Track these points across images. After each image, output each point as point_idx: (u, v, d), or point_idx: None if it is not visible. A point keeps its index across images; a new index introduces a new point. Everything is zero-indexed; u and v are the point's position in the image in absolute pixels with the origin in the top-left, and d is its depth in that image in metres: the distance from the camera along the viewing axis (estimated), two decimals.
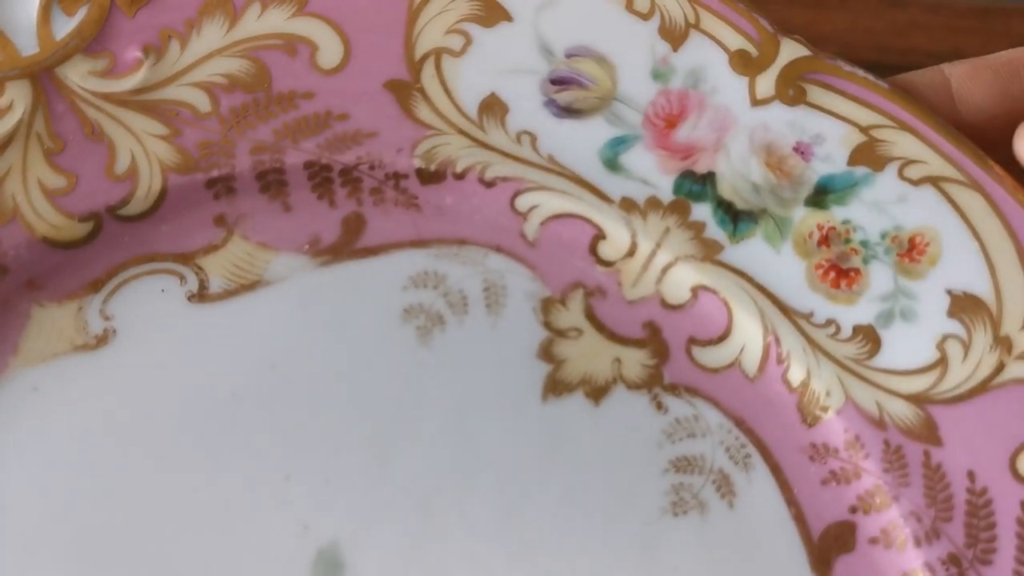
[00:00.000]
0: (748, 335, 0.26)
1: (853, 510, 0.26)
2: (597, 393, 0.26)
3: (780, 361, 0.26)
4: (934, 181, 0.25)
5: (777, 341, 0.26)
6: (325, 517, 0.25)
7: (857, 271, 0.26)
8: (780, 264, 0.26)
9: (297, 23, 0.26)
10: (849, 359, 0.26)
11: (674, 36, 0.26)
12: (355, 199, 0.27)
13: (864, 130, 0.25)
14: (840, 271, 0.26)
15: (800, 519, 0.26)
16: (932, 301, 0.25)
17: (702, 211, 0.26)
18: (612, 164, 0.26)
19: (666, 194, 0.26)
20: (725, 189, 0.26)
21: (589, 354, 0.27)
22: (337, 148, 0.27)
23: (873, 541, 0.25)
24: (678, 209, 0.26)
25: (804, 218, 0.26)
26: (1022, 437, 0.25)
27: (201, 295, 0.27)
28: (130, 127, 0.26)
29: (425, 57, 0.26)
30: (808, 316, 0.26)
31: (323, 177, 0.27)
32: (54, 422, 0.26)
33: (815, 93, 0.25)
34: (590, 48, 0.26)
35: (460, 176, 0.27)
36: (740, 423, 0.26)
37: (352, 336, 0.26)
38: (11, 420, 0.26)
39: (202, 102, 0.26)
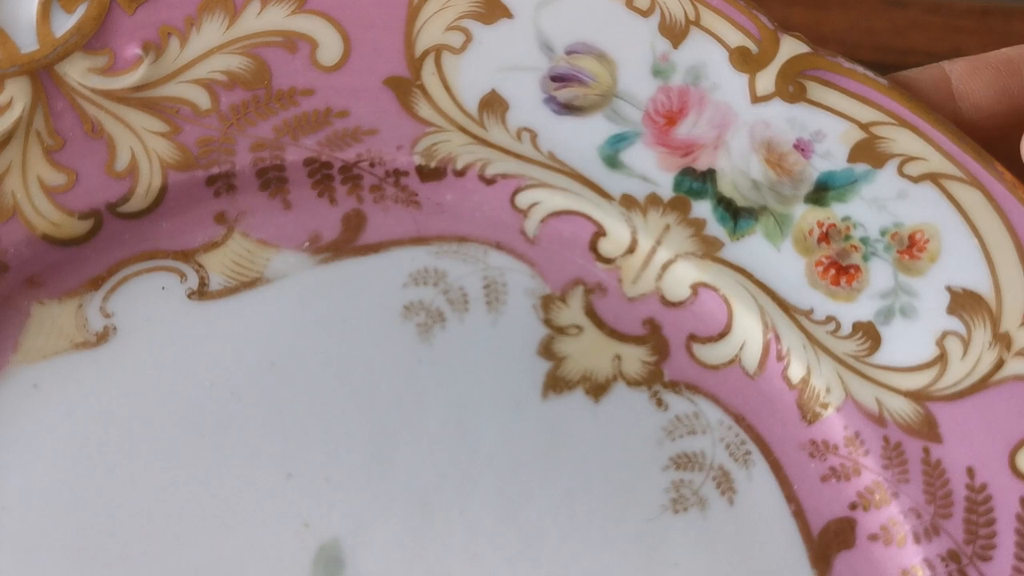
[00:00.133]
0: (748, 332, 0.26)
1: (853, 507, 0.26)
2: (597, 390, 0.26)
3: (780, 358, 0.26)
4: (934, 178, 0.25)
5: (777, 338, 0.26)
6: (326, 515, 0.25)
7: (857, 268, 0.26)
8: (780, 261, 0.26)
9: (297, 20, 0.26)
10: (849, 356, 0.26)
11: (674, 33, 0.26)
12: (355, 196, 0.27)
13: (864, 127, 0.25)
14: (840, 268, 0.26)
15: (800, 516, 0.26)
16: (932, 298, 0.25)
17: (702, 208, 0.26)
18: (612, 161, 0.26)
19: (666, 191, 0.26)
20: (725, 186, 0.26)
21: (589, 351, 0.27)
22: (337, 145, 0.27)
23: (873, 537, 0.26)
24: (678, 206, 0.26)
25: (804, 215, 0.26)
26: (1021, 433, 0.25)
27: (201, 292, 0.27)
28: (130, 124, 0.26)
29: (425, 54, 0.26)
30: (808, 313, 0.26)
31: (323, 174, 0.27)
32: (54, 419, 0.26)
33: (815, 90, 0.25)
34: (590, 45, 0.26)
35: (460, 173, 0.27)
36: (740, 420, 0.26)
37: (352, 333, 0.26)
38: (11, 417, 0.26)
39: (202, 99, 0.26)
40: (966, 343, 0.25)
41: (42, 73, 0.26)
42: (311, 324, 0.26)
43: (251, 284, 0.27)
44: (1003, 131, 0.26)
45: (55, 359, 0.26)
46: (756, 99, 0.26)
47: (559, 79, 0.26)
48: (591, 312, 0.27)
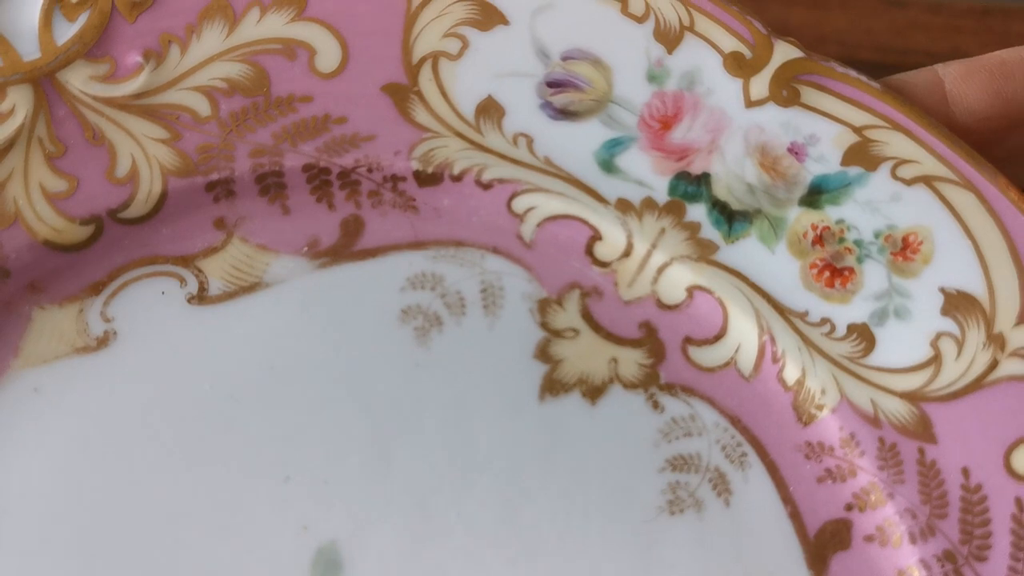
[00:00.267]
0: (743, 334, 0.26)
1: (849, 508, 0.26)
2: (594, 393, 0.27)
3: (775, 360, 0.26)
4: (927, 180, 0.25)
5: (772, 340, 0.26)
6: (324, 517, 0.26)
7: (851, 270, 0.26)
8: (775, 264, 0.26)
9: (296, 28, 0.26)
10: (844, 357, 0.26)
11: (669, 39, 0.26)
12: (353, 201, 0.27)
13: (857, 130, 0.25)
14: (834, 270, 0.26)
15: (796, 517, 0.26)
16: (926, 299, 0.25)
17: (697, 212, 0.26)
18: (608, 166, 0.27)
19: (661, 195, 0.26)
20: (720, 190, 0.26)
21: (586, 354, 0.27)
22: (335, 151, 0.27)
23: (869, 538, 0.26)
24: (673, 210, 0.26)
25: (798, 218, 0.26)
26: (1016, 434, 0.25)
27: (201, 297, 0.27)
28: (131, 131, 0.26)
29: (422, 61, 0.26)
30: (803, 315, 0.26)
31: (322, 180, 0.27)
32: (55, 423, 0.26)
33: (809, 94, 0.26)
34: (586, 51, 0.26)
35: (457, 178, 0.27)
36: (736, 422, 0.26)
37: (351, 337, 0.27)
38: (12, 421, 0.26)
39: (202, 106, 0.26)
40: (960, 344, 0.25)
41: (44, 81, 0.26)
42: (310, 328, 0.27)
43: (250, 289, 0.27)
44: (997, 134, 0.26)
45: (56, 363, 0.26)
46: (750, 103, 0.26)
47: (555, 85, 0.26)
48: (587, 315, 0.27)
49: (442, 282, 0.27)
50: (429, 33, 0.26)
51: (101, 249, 0.26)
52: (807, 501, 0.26)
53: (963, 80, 0.26)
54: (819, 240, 0.26)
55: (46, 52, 0.26)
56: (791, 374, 0.26)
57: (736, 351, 0.26)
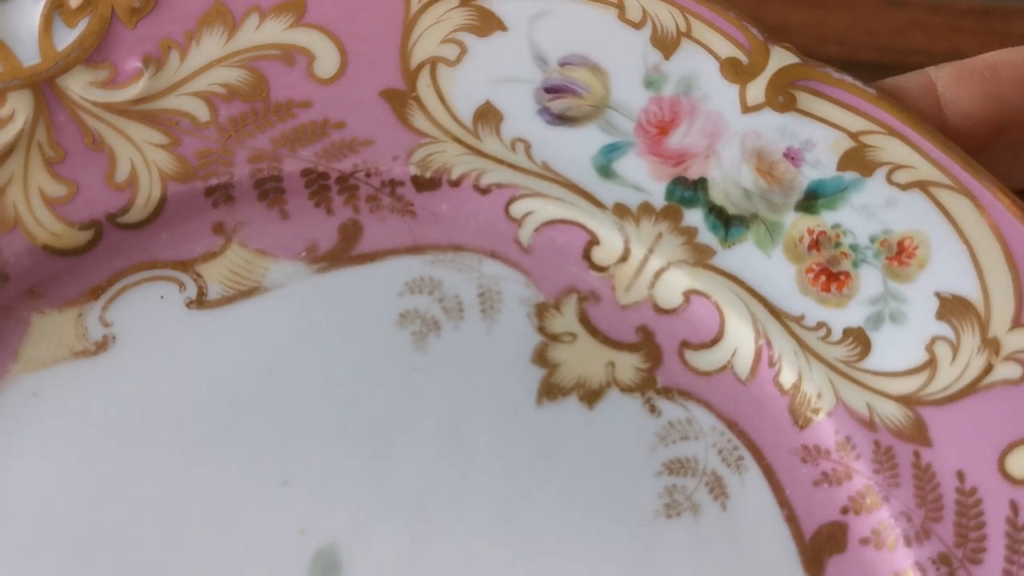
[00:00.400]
0: (740, 338, 0.26)
1: (844, 511, 0.26)
2: (591, 397, 0.27)
3: (772, 364, 0.26)
4: (922, 185, 0.25)
5: (769, 344, 0.26)
6: (323, 520, 0.26)
7: (847, 275, 0.26)
8: (771, 268, 0.26)
9: (294, 33, 0.26)
10: (840, 361, 0.26)
11: (666, 44, 0.26)
12: (352, 206, 0.27)
13: (853, 136, 0.26)
14: (830, 275, 0.26)
15: (792, 520, 0.26)
16: (921, 304, 0.25)
17: (694, 216, 0.27)
18: (605, 171, 0.27)
19: (658, 200, 0.27)
20: (717, 195, 0.26)
21: (583, 358, 0.27)
22: (334, 156, 0.27)
23: (864, 541, 0.26)
24: (670, 215, 0.27)
25: (795, 223, 0.26)
26: (1010, 437, 0.25)
27: (200, 302, 0.27)
28: (130, 136, 0.26)
29: (421, 66, 0.26)
30: (799, 319, 0.26)
31: (320, 185, 0.27)
32: (54, 428, 0.26)
33: (805, 100, 0.26)
34: (583, 57, 0.26)
35: (455, 183, 0.27)
36: (732, 425, 0.26)
37: (349, 342, 0.27)
38: (11, 426, 0.26)
39: (201, 111, 0.26)
40: (955, 348, 0.25)
41: (44, 86, 0.26)
42: (308, 333, 0.27)
43: (249, 293, 0.27)
44: (988, 136, 0.26)
45: (55, 368, 0.26)
46: (747, 109, 0.26)
47: (553, 90, 0.26)
48: (585, 320, 0.27)
49: (440, 287, 0.27)
50: (427, 39, 0.26)
51: (100, 254, 0.27)
52: (803, 504, 0.26)
53: (955, 83, 0.26)
54: (815, 245, 0.26)
55: (46, 57, 0.26)
56: (787, 378, 0.26)
57: (732, 355, 0.27)
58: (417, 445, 0.26)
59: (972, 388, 0.25)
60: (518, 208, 0.27)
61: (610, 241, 0.27)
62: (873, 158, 0.26)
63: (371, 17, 0.26)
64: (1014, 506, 0.25)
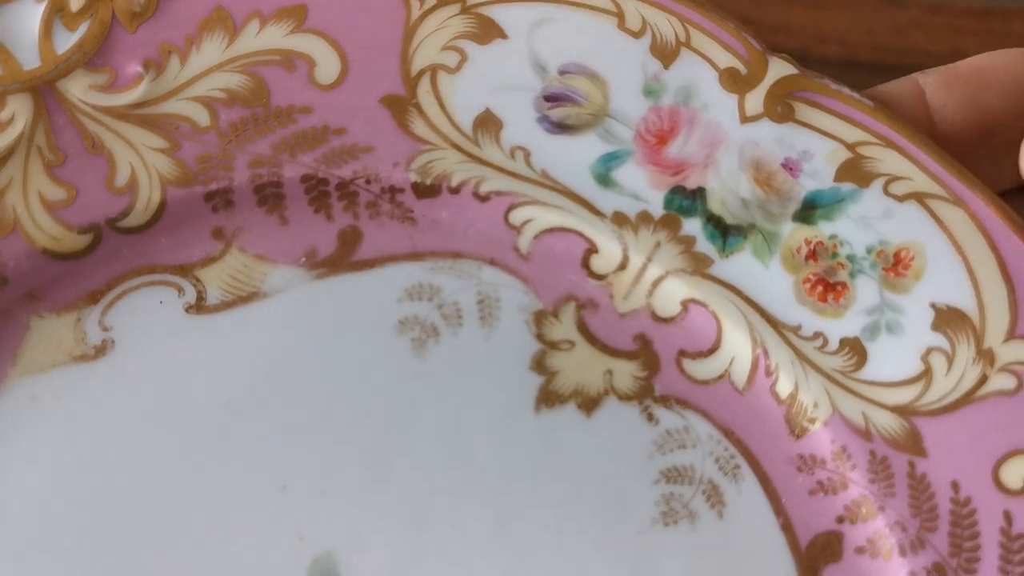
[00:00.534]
0: (737, 348, 0.27)
1: (840, 520, 0.26)
2: (589, 405, 0.27)
3: (769, 373, 0.27)
4: (919, 197, 0.26)
5: (766, 354, 0.27)
6: (320, 527, 0.26)
7: (844, 285, 0.26)
8: (768, 278, 0.26)
9: (295, 39, 0.26)
10: (836, 371, 0.26)
11: (665, 54, 0.26)
12: (351, 212, 0.27)
13: (850, 147, 0.26)
14: (827, 285, 0.26)
15: (788, 529, 0.26)
16: (917, 314, 0.26)
17: (692, 226, 0.27)
18: (604, 179, 0.27)
19: (657, 209, 0.27)
20: (715, 204, 0.26)
21: (581, 366, 0.27)
22: (334, 162, 0.27)
23: (859, 550, 0.26)
24: (669, 224, 0.27)
25: (792, 233, 0.26)
26: (1005, 448, 0.25)
27: (199, 307, 0.27)
28: (130, 140, 0.26)
29: (421, 73, 0.27)
30: (796, 329, 0.26)
31: (320, 191, 0.27)
32: (52, 431, 0.26)
33: (803, 111, 0.26)
34: (583, 65, 0.26)
35: (455, 190, 0.27)
36: (729, 434, 0.27)
37: (348, 348, 0.27)
38: (9, 429, 0.26)
39: (201, 116, 0.26)
40: (950, 359, 0.25)
41: (44, 90, 0.26)
42: (307, 338, 0.27)
43: (248, 299, 0.27)
44: (976, 141, 0.27)
45: (53, 372, 0.26)
46: (745, 119, 0.26)
47: (552, 99, 0.27)
48: (583, 327, 0.27)
49: (439, 293, 0.27)
50: (428, 46, 0.26)
51: (99, 258, 0.27)
52: (799, 513, 0.26)
53: (942, 89, 0.26)
54: (812, 255, 0.26)
55: (46, 61, 0.26)
56: (784, 387, 0.26)
57: (730, 364, 0.27)
58: (415, 451, 0.26)
59: (967, 399, 0.25)
60: (517, 216, 0.27)
61: (609, 249, 0.27)
62: (870, 169, 0.26)
63: (372, 24, 0.26)
64: (1008, 516, 0.25)
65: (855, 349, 0.26)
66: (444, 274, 0.27)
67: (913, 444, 0.26)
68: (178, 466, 0.26)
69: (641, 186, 0.27)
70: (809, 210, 0.26)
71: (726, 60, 0.26)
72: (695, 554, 0.26)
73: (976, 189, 0.25)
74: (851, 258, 0.26)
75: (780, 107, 0.26)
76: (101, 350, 0.26)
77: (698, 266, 0.27)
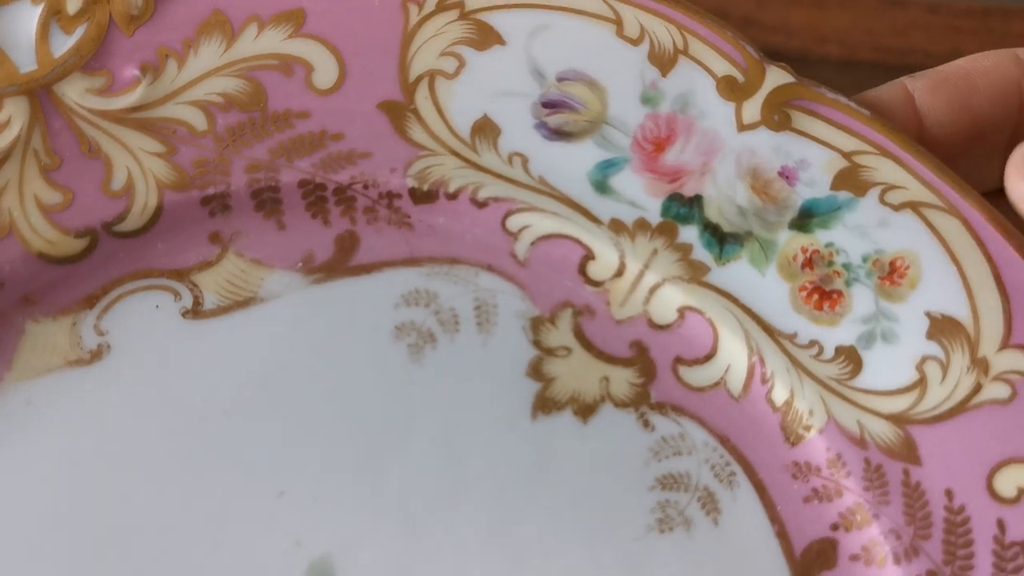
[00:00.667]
0: (733, 355, 0.27)
1: (835, 527, 0.26)
2: (585, 411, 0.27)
3: (764, 381, 0.27)
4: (914, 206, 0.26)
5: (762, 361, 0.27)
6: (316, 532, 0.26)
7: (840, 293, 0.26)
8: (765, 286, 0.26)
9: (293, 44, 0.26)
10: (831, 379, 0.26)
11: (663, 62, 0.26)
12: (349, 218, 0.27)
13: (847, 156, 0.26)
14: (823, 293, 0.26)
15: (783, 536, 0.26)
16: (912, 323, 0.26)
17: (689, 233, 0.27)
18: (601, 186, 0.27)
19: (654, 216, 0.27)
20: (712, 212, 0.27)
21: (578, 373, 0.27)
22: (331, 167, 0.27)
23: (854, 558, 0.26)
24: (665, 231, 0.27)
25: (788, 241, 0.26)
26: (999, 457, 0.25)
27: (195, 311, 0.27)
28: (127, 144, 0.26)
29: (419, 79, 0.27)
30: (792, 337, 0.26)
31: (317, 196, 0.27)
32: (47, 436, 0.26)
33: (800, 119, 0.26)
34: (581, 72, 0.26)
35: (453, 196, 0.27)
36: (725, 441, 0.27)
37: (344, 353, 0.27)
38: (4, 434, 0.26)
39: (198, 120, 0.26)
40: (945, 368, 0.26)
41: (40, 93, 0.26)
42: (304, 344, 0.27)
43: (245, 303, 0.27)
44: (965, 145, 0.27)
45: (49, 376, 0.26)
46: (742, 127, 0.26)
47: (550, 105, 0.27)
48: (580, 334, 0.27)
49: (436, 299, 0.27)
50: (426, 52, 0.26)
51: (95, 262, 0.26)
52: (794, 520, 0.26)
53: (931, 93, 0.26)
54: (808, 263, 0.26)
55: (43, 64, 0.26)
56: (780, 395, 0.27)
57: (726, 371, 0.27)
58: (411, 457, 0.26)
59: (961, 407, 0.25)
60: (515, 222, 0.27)
61: (606, 256, 0.27)
62: (866, 178, 0.26)
63: (370, 29, 0.26)
64: (1001, 525, 0.25)
65: (850, 357, 0.26)
66: (441, 280, 0.27)
67: (908, 452, 0.26)
68: (174, 471, 0.26)
69: (638, 193, 0.27)
70: (806, 218, 0.26)
71: (724, 68, 0.26)
72: (690, 561, 0.26)
73: (971, 199, 0.25)
74: (847, 266, 0.26)
75: (777, 115, 0.26)
76: (97, 355, 0.26)
77: (695, 273, 0.27)
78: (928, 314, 0.26)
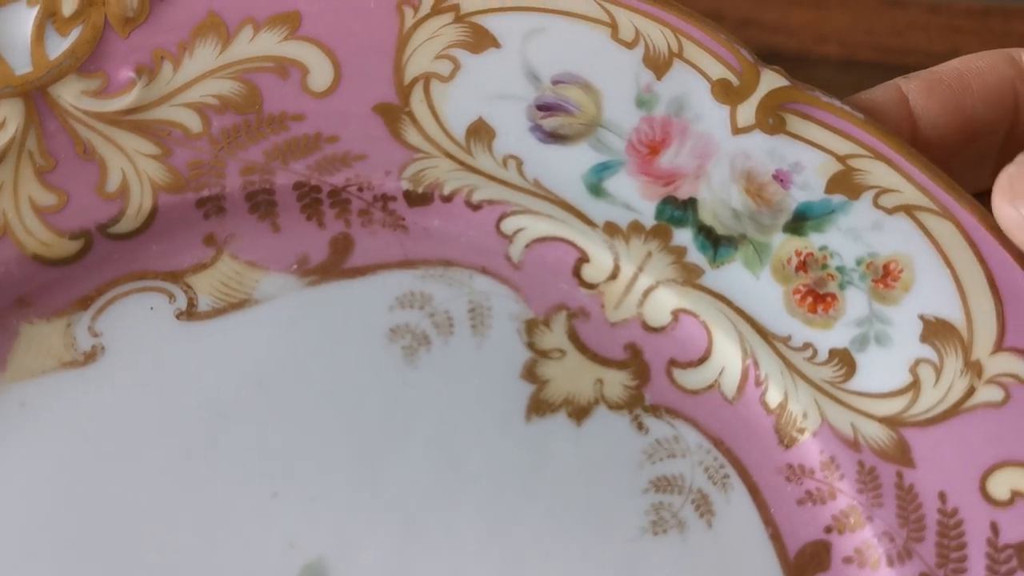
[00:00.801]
0: (727, 358, 0.27)
1: (828, 530, 0.26)
2: (579, 413, 0.27)
3: (758, 383, 0.27)
4: (908, 209, 0.26)
5: (756, 364, 0.27)
6: (311, 534, 0.26)
7: (833, 296, 0.26)
8: (759, 289, 0.27)
9: (289, 46, 0.26)
10: (825, 382, 0.26)
11: (658, 65, 0.26)
12: (343, 220, 0.27)
13: (841, 159, 0.26)
14: (817, 296, 0.26)
15: (777, 538, 0.26)
16: (905, 326, 0.26)
17: (683, 236, 0.27)
18: (596, 189, 0.27)
19: (648, 219, 0.27)
20: (706, 215, 0.27)
21: (572, 375, 0.27)
22: (326, 170, 0.27)
23: (847, 560, 0.26)
24: (660, 234, 0.27)
25: (783, 244, 0.26)
26: (992, 460, 0.25)
27: (190, 313, 0.27)
28: (122, 146, 0.26)
29: (414, 81, 0.27)
30: (786, 340, 0.26)
31: (312, 198, 0.27)
32: (41, 438, 0.26)
33: (794, 122, 0.26)
34: (576, 75, 0.26)
35: (447, 199, 0.27)
36: (719, 444, 0.27)
37: (339, 355, 0.27)
38: None
39: (193, 123, 0.26)
40: (938, 371, 0.26)
41: (36, 95, 0.26)
42: (298, 346, 0.27)
43: (239, 305, 0.27)
44: (959, 146, 0.27)
45: (43, 378, 0.26)
46: (737, 130, 0.26)
47: (545, 108, 0.27)
48: (574, 336, 0.27)
49: (431, 301, 0.27)
50: (421, 54, 0.26)
51: (90, 264, 0.26)
52: (787, 523, 0.26)
53: (925, 95, 0.27)
54: (802, 266, 0.26)
55: (38, 66, 0.26)
56: (773, 397, 0.27)
57: (720, 374, 0.27)
58: (406, 459, 0.26)
59: (955, 410, 0.25)
60: (509, 224, 0.27)
61: (600, 259, 0.27)
62: (860, 181, 0.26)
63: (365, 32, 0.26)
64: (994, 527, 0.25)
65: (844, 360, 0.26)
66: (435, 282, 0.27)
67: (901, 455, 0.26)
68: (168, 473, 0.26)
69: (633, 196, 0.27)
70: (800, 221, 0.26)
71: (718, 71, 0.26)
72: (684, 563, 0.26)
73: (964, 202, 0.25)
74: (841, 269, 0.26)
75: (772, 119, 0.26)
76: (91, 356, 0.26)
77: (689, 276, 0.27)
78: (922, 317, 0.26)
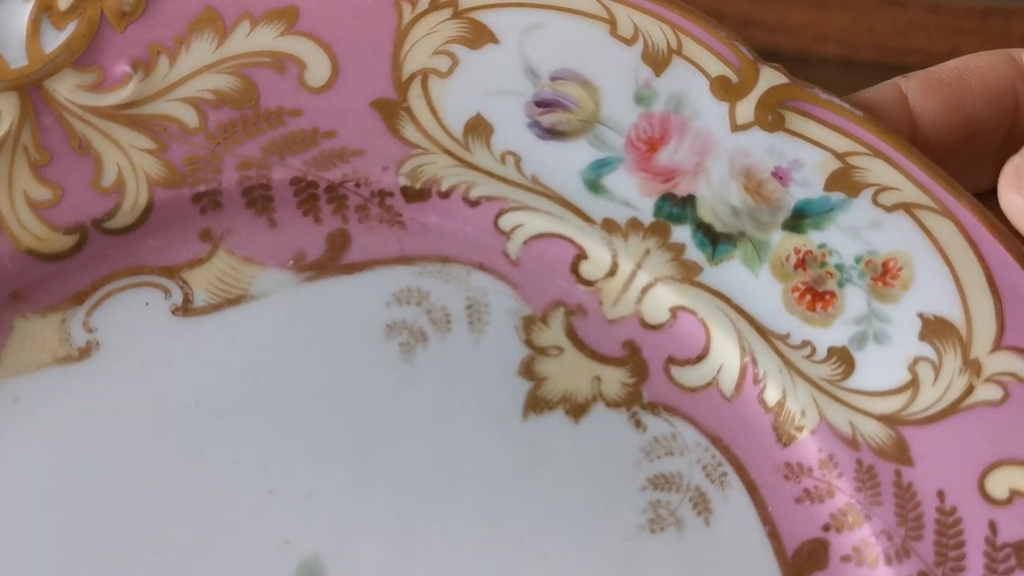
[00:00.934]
0: (726, 355, 0.27)
1: (826, 528, 0.26)
2: (577, 411, 0.27)
3: (757, 381, 0.27)
4: (907, 207, 0.26)
5: (754, 362, 0.27)
6: (307, 531, 0.26)
7: (832, 294, 0.26)
8: (758, 286, 0.26)
9: (286, 41, 0.26)
10: (824, 380, 0.26)
11: (657, 61, 0.26)
12: (340, 216, 0.27)
13: (840, 156, 0.26)
14: (816, 294, 0.26)
15: (775, 536, 0.26)
16: (904, 324, 0.26)
17: (682, 233, 0.27)
18: (594, 186, 0.27)
19: (647, 216, 0.27)
20: (705, 212, 0.27)
21: (569, 372, 0.27)
22: (323, 165, 0.27)
23: (845, 559, 0.26)
24: (658, 231, 0.27)
25: (781, 242, 0.26)
26: (990, 458, 0.25)
27: (185, 309, 0.27)
28: (117, 141, 0.26)
29: (412, 77, 0.26)
30: (784, 337, 0.26)
31: (309, 193, 0.27)
32: (35, 433, 0.26)
33: (793, 120, 0.26)
34: (574, 71, 0.26)
35: (445, 195, 0.27)
36: (717, 442, 0.27)
37: (336, 351, 0.27)
38: None
39: (190, 117, 0.26)
40: (937, 369, 0.26)
41: (31, 89, 0.26)
42: (295, 342, 0.27)
43: (235, 301, 0.27)
44: (958, 146, 0.27)
45: (37, 373, 0.26)
46: (736, 128, 0.26)
47: (543, 104, 0.27)
48: (572, 333, 0.27)
49: (428, 298, 0.27)
50: (419, 50, 0.26)
51: (85, 259, 0.26)
52: (785, 521, 0.26)
53: (924, 94, 0.26)
54: (801, 264, 0.26)
55: (33, 60, 0.26)
56: (772, 395, 0.26)
57: (718, 372, 0.27)
58: (403, 456, 0.26)
59: (953, 409, 0.25)
60: (507, 221, 0.27)
61: (598, 256, 0.27)
62: (859, 179, 0.26)
63: (363, 27, 0.26)
64: (993, 526, 0.25)
65: (843, 358, 0.26)
66: (433, 279, 0.27)
67: (900, 453, 0.26)
68: (163, 469, 0.26)
69: (631, 193, 0.27)
70: (799, 219, 0.26)
71: (717, 68, 0.26)
72: (681, 562, 0.26)
73: (963, 200, 0.25)
74: (840, 267, 0.26)
75: (771, 116, 0.26)
76: (86, 352, 0.26)
77: (687, 273, 0.27)
78: (921, 315, 0.26)
